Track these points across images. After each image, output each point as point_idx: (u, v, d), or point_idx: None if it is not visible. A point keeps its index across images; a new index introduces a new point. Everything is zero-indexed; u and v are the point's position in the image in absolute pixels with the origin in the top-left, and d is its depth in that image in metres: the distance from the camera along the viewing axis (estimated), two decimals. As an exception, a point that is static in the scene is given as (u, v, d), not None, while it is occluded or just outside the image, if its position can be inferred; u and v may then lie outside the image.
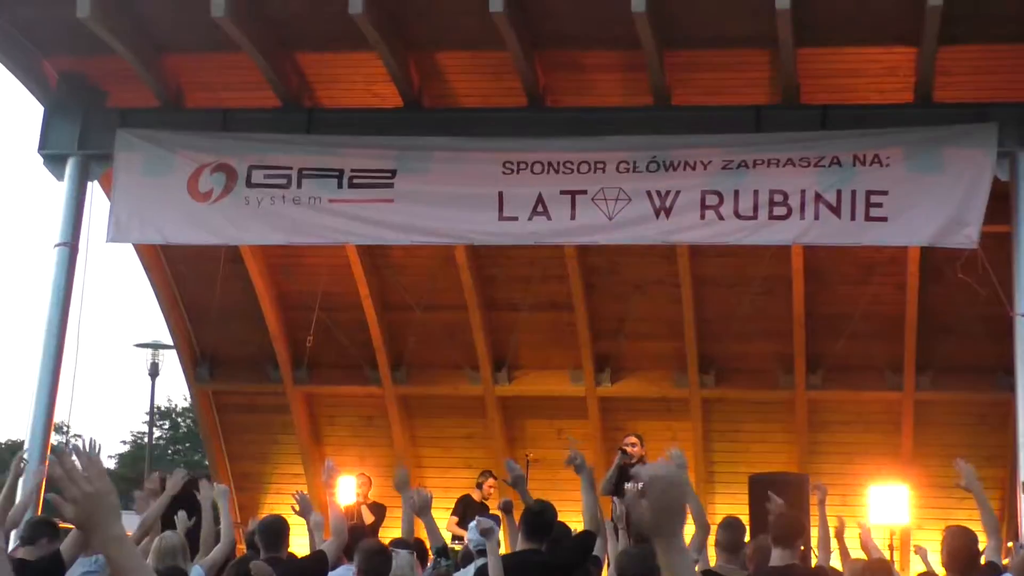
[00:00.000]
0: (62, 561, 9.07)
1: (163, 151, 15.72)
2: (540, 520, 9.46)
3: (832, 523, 11.21)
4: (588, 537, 9.62)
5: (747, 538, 10.60)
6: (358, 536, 10.92)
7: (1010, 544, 14.61)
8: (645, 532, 3.35)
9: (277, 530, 10.01)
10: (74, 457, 3.48)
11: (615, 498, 13.87)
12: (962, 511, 15.32)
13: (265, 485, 19.69)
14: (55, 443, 18.64)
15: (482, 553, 10.01)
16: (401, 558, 9.06)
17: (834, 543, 10.93)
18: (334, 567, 10.42)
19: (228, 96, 16.56)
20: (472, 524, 10.75)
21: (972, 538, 9.32)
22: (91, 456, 3.47)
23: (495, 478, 17.14)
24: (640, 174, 14.85)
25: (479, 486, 17.25)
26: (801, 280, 17.18)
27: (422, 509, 10.50)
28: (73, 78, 16.53)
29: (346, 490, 17.65)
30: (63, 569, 9.08)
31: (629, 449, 15.40)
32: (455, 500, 17.32)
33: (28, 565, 9.25)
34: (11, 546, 10.09)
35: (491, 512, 15.35)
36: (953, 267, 15.63)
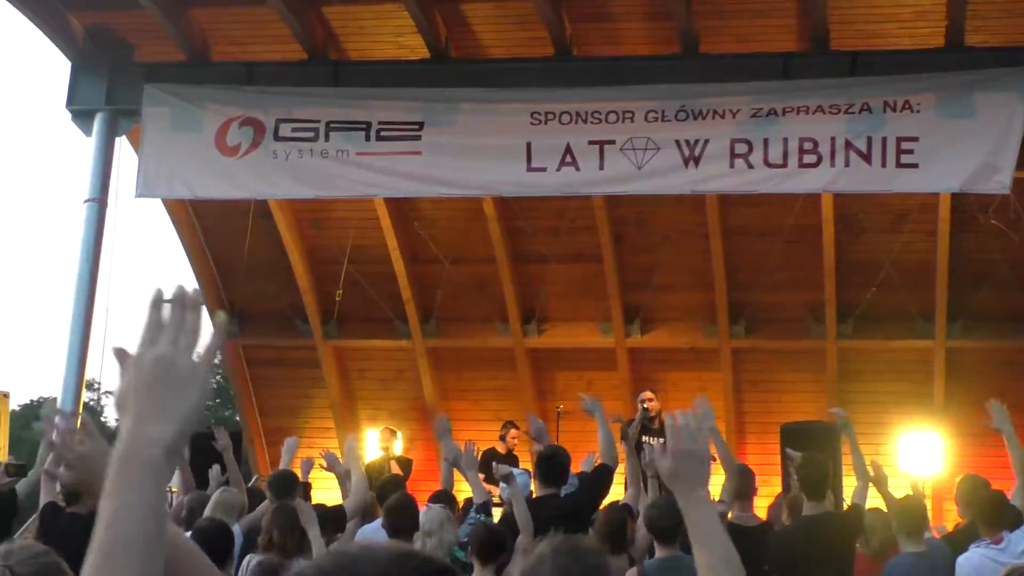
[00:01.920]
0: None
1: (190, 106, 15.75)
2: (552, 463, 9.55)
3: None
4: (603, 471, 9.74)
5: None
6: (394, 488, 11.03)
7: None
8: (667, 483, 3.36)
9: (284, 481, 10.20)
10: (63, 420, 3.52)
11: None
12: (994, 459, 15.30)
13: (297, 439, 19.76)
14: (87, 400, 18.76)
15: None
16: (432, 513, 9.07)
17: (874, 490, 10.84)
18: (365, 520, 10.54)
19: (254, 49, 16.57)
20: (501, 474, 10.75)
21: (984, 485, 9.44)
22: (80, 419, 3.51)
23: (517, 428, 17.16)
24: (668, 123, 14.81)
25: (502, 438, 17.22)
26: (831, 228, 17.11)
27: (468, 464, 10.56)
28: (99, 33, 16.56)
29: (371, 444, 17.74)
30: None
31: (648, 404, 15.56)
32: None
33: (79, 519, 9.37)
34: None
35: (521, 465, 15.37)
36: (985, 213, 15.54)
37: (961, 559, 8.63)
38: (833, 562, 9.13)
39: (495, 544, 8.19)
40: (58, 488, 10.23)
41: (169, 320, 2.21)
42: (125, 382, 2.17)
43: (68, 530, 9.30)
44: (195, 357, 2.20)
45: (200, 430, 11.16)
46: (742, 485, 10.12)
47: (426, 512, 9.09)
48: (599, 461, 10.32)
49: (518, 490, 9.50)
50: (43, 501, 10.10)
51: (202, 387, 2.20)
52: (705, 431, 3.37)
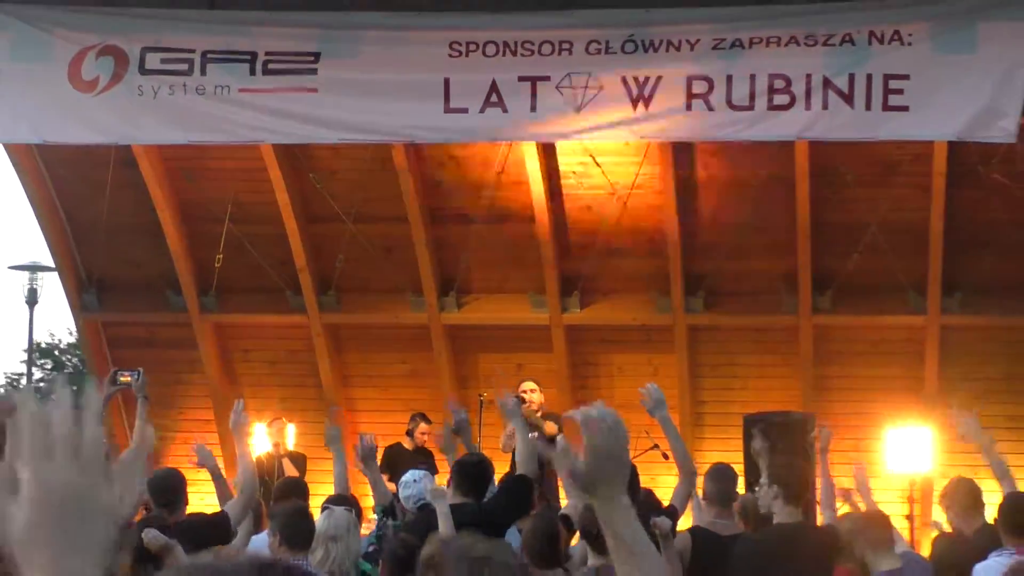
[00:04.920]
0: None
1: (37, 31, 15.58)
2: (476, 472, 9.64)
3: (844, 482, 11.26)
4: (523, 484, 9.87)
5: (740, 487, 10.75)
6: (291, 491, 11.00)
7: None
8: (582, 487, 3.32)
9: (170, 485, 10.03)
10: None
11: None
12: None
13: (169, 434, 19.59)
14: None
15: (421, 509, 10.09)
16: (337, 516, 9.08)
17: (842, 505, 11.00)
18: (255, 528, 10.48)
19: (115, -38, 16.40)
20: (405, 479, 10.78)
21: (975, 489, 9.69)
22: None
23: (429, 423, 17.13)
24: (614, 56, 14.83)
25: (410, 433, 17.19)
26: (806, 183, 17.14)
27: (367, 458, 10.59)
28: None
29: (260, 438, 17.64)
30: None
31: (527, 396, 15.62)
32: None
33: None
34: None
35: (434, 459, 15.37)
36: (987, 165, 15.66)
37: (979, 568, 8.77)
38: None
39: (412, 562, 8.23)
40: None
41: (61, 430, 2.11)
42: (27, 515, 2.08)
43: None
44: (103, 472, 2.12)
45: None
46: (721, 489, 10.19)
47: (329, 515, 9.12)
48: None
49: (446, 508, 9.38)
50: None
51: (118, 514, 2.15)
52: (624, 431, 3.30)
